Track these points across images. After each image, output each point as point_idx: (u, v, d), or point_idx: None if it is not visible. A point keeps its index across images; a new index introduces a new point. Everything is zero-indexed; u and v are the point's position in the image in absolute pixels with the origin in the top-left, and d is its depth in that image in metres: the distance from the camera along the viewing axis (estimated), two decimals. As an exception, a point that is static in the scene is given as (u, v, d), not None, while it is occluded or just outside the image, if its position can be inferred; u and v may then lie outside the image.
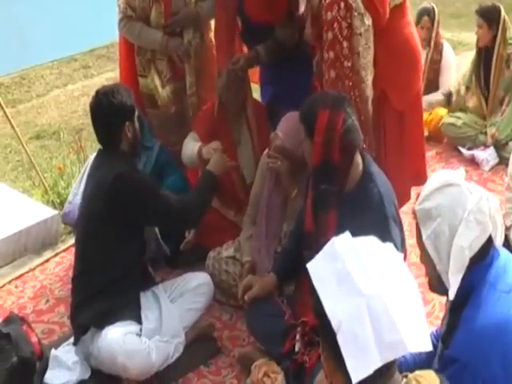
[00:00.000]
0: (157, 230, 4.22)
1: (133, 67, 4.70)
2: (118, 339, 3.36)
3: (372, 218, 3.03)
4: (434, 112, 6.23)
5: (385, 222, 3.07)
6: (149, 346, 3.43)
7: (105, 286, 3.47)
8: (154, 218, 3.63)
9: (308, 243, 3.21)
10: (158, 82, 4.57)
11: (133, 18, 4.46)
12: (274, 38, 4.30)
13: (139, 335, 3.48)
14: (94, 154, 3.81)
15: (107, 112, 3.53)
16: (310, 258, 1.91)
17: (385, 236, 2.96)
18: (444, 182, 2.35)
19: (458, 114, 6.00)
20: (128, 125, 3.54)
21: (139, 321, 3.54)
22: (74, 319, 3.60)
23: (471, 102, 5.95)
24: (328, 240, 1.91)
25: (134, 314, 3.53)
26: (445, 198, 2.32)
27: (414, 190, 4.16)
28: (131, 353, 3.36)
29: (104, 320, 3.43)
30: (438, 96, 6.33)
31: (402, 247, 3.17)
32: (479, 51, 5.86)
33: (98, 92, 3.60)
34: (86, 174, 4.09)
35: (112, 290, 3.47)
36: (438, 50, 6.31)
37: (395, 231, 3.10)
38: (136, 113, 3.61)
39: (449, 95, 6.27)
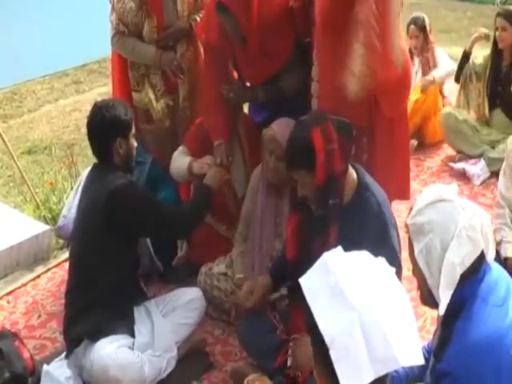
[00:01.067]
0: (150, 245, 4.21)
1: (126, 82, 4.69)
2: (111, 352, 3.35)
3: (372, 225, 3.05)
4: (429, 91, 6.25)
5: (385, 228, 3.09)
6: (142, 360, 3.43)
7: (99, 299, 3.47)
8: (150, 228, 3.62)
9: (290, 273, 3.22)
10: (152, 95, 4.56)
11: (125, 34, 4.45)
12: (276, 83, 4.13)
13: (132, 349, 3.48)
14: (89, 168, 3.82)
15: (99, 126, 3.55)
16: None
17: (387, 242, 3.03)
18: (437, 197, 2.36)
19: (462, 111, 6.04)
20: (120, 141, 3.54)
21: (132, 334, 3.53)
22: (68, 331, 3.59)
23: (474, 92, 5.96)
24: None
25: (127, 327, 3.53)
26: (437, 213, 2.33)
27: (405, 205, 4.19)
28: (124, 366, 3.36)
29: (98, 332, 3.43)
30: (447, 67, 6.33)
31: (400, 254, 3.19)
32: (494, 52, 5.84)
33: (94, 105, 3.63)
34: (80, 187, 4.08)
35: (106, 304, 3.46)
36: (431, 52, 6.36)
37: (395, 238, 3.13)
38: (133, 130, 3.63)
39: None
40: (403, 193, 4.04)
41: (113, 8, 4.49)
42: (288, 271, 3.31)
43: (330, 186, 3.04)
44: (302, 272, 1.94)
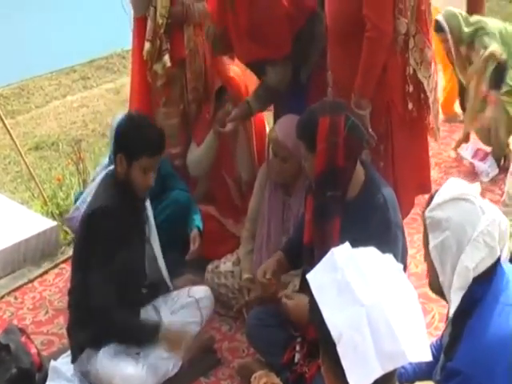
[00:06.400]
0: (165, 269, 3.86)
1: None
2: (113, 363, 3.35)
3: (376, 220, 3.03)
4: None
5: (388, 225, 3.06)
6: (145, 370, 3.40)
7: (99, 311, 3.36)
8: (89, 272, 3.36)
9: (307, 257, 3.20)
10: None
11: None
12: (264, 83, 4.05)
13: (138, 353, 3.46)
14: (106, 160, 3.80)
15: (114, 133, 3.58)
16: (310, 269, 1.90)
17: (388, 238, 3.00)
18: (459, 195, 2.32)
19: None
20: (120, 157, 3.37)
21: None
22: (70, 336, 3.57)
23: None
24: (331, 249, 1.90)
25: None
26: (457, 212, 2.29)
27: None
28: (127, 377, 3.34)
29: (100, 341, 3.41)
30: None
31: (404, 253, 3.17)
32: None
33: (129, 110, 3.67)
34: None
35: (107, 316, 3.37)
36: None
37: (399, 235, 3.11)
38: (142, 163, 3.35)
39: None
40: (424, 187, 4.01)
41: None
42: (304, 255, 3.29)
43: (329, 177, 3.03)
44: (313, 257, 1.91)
